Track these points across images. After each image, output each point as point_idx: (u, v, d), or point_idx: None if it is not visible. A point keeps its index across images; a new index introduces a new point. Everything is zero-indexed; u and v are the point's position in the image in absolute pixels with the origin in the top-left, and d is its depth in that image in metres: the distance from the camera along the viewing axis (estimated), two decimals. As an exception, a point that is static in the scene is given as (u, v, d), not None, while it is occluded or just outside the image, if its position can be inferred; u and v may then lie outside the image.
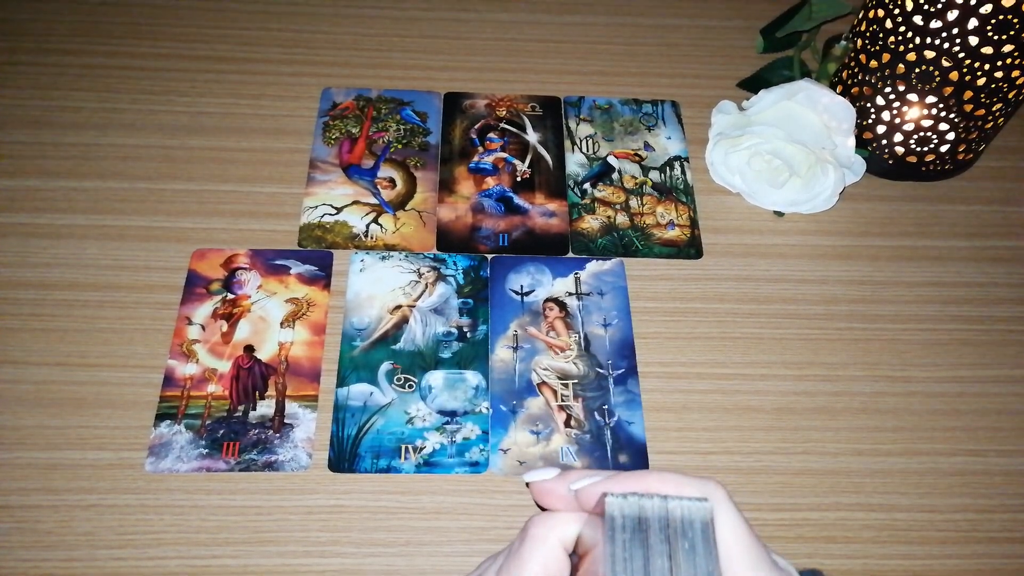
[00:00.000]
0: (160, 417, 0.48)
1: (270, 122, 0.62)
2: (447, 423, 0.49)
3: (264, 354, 0.51)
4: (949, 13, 0.51)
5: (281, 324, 0.52)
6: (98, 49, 0.65)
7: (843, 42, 0.63)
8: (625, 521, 0.21)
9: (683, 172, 0.62)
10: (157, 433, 0.47)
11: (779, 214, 0.60)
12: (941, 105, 0.56)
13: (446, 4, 0.71)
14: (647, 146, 0.63)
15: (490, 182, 0.60)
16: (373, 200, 0.58)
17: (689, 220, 0.59)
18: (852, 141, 0.57)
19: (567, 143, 0.63)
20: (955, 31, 0.51)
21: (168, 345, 0.51)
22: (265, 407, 0.49)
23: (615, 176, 0.61)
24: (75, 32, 0.66)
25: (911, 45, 0.54)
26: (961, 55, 0.52)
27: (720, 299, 0.55)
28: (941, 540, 0.47)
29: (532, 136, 0.63)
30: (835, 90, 0.62)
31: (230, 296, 0.53)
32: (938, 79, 0.54)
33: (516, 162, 0.61)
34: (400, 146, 0.61)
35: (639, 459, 0.48)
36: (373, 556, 0.44)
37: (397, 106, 0.64)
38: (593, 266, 0.56)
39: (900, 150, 0.60)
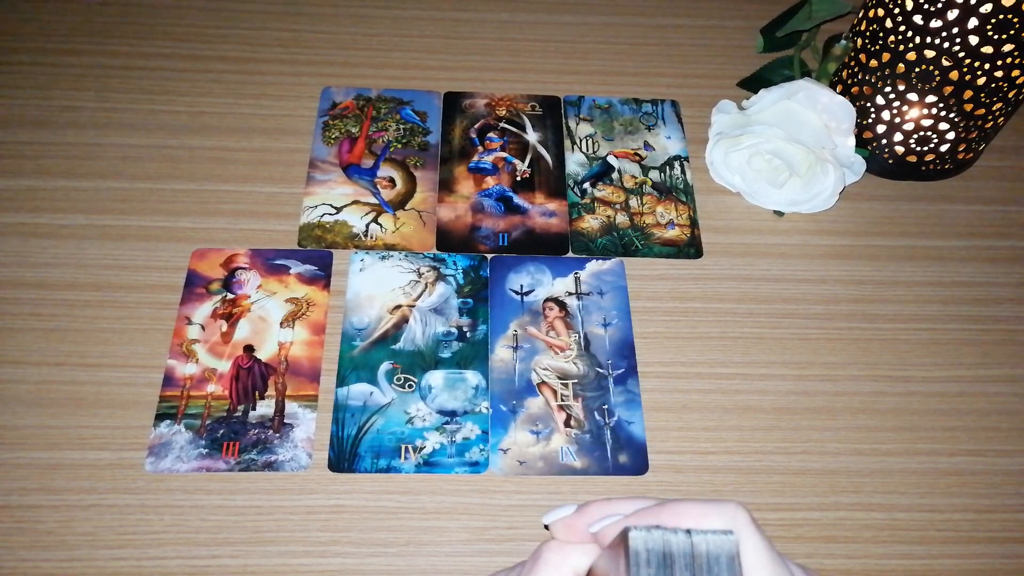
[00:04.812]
0: (160, 417, 0.48)
1: (270, 122, 0.62)
2: (447, 423, 0.49)
3: (264, 354, 0.51)
4: (949, 13, 0.51)
5: (281, 324, 0.52)
6: (98, 49, 0.65)
7: (843, 42, 0.63)
8: (650, 556, 0.21)
9: (683, 172, 0.62)
10: (157, 433, 0.47)
11: (779, 214, 0.60)
12: (941, 105, 0.56)
13: (446, 4, 0.71)
14: (647, 146, 0.63)
15: (490, 182, 0.60)
16: (373, 200, 0.58)
17: (689, 220, 0.59)
18: (852, 141, 0.57)
19: (567, 143, 0.63)
20: (955, 31, 0.51)
21: (168, 345, 0.51)
22: (265, 407, 0.49)
23: (615, 176, 0.61)
24: (75, 32, 0.66)
25: (911, 45, 0.54)
26: (961, 55, 0.52)
27: (720, 299, 0.55)
28: (941, 540, 0.47)
29: (532, 136, 0.63)
30: (835, 90, 0.62)
31: (230, 296, 0.53)
32: (938, 79, 0.54)
33: (516, 162, 0.61)
34: (400, 146, 0.61)
35: (639, 459, 0.48)
36: (373, 556, 0.44)
37: (397, 106, 0.64)
38: (593, 266, 0.56)
39: (900, 150, 0.60)
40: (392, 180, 0.59)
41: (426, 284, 0.54)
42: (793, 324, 0.55)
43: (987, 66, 0.52)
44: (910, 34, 0.53)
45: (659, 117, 0.65)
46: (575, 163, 0.62)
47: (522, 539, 0.45)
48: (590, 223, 0.58)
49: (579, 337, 0.53)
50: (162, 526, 0.45)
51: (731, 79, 0.68)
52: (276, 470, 0.47)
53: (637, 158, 0.62)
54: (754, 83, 0.66)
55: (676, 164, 0.62)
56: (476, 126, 0.63)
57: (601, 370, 0.51)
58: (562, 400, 0.50)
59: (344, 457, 0.47)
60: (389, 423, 0.49)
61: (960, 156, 0.60)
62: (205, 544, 0.44)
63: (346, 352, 0.51)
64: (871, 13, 0.57)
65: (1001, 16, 0.49)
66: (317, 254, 0.55)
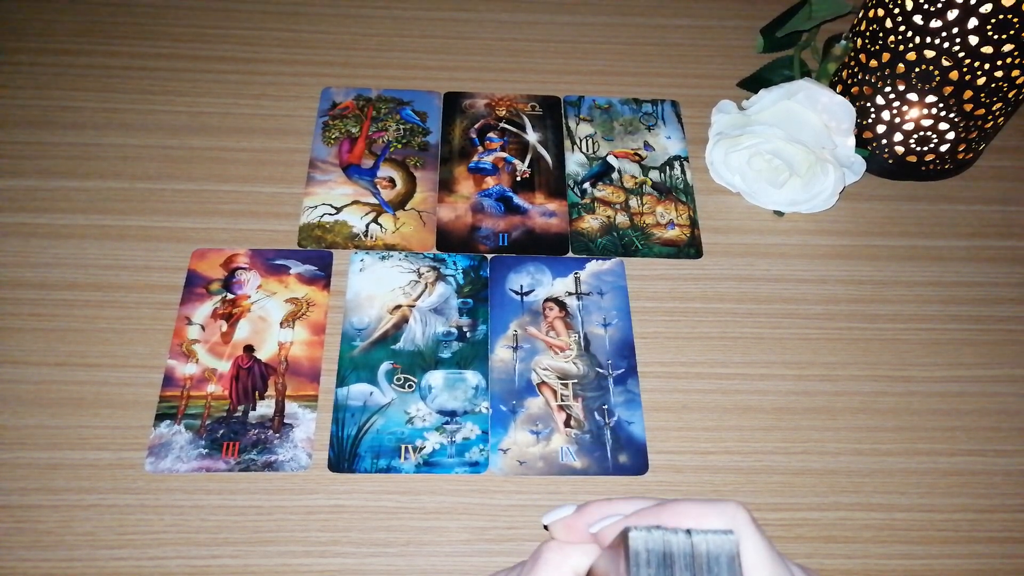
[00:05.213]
0: (160, 417, 0.48)
1: (270, 122, 0.62)
2: (447, 423, 0.49)
3: (264, 354, 0.51)
4: (949, 13, 0.51)
5: (281, 324, 0.52)
6: (98, 49, 0.65)
7: (843, 42, 0.63)
8: (650, 556, 0.21)
9: (683, 172, 0.62)
10: (157, 433, 0.47)
11: (779, 214, 0.60)
12: (941, 105, 0.56)
13: (446, 4, 0.71)
14: (647, 146, 0.63)
15: (490, 182, 0.60)
16: (373, 200, 0.58)
17: (689, 220, 0.59)
18: (852, 141, 0.57)
19: (567, 143, 0.63)
20: (955, 31, 0.51)
21: (168, 345, 0.51)
22: (265, 407, 0.49)
23: (615, 176, 0.61)
24: (75, 32, 0.66)
25: (911, 45, 0.54)
26: (961, 55, 0.52)
27: (720, 299, 0.55)
28: (941, 540, 0.47)
29: (532, 136, 0.63)
30: (835, 90, 0.62)
31: (230, 296, 0.53)
32: (938, 79, 0.54)
33: (516, 162, 0.61)
34: (400, 146, 0.61)
35: (639, 459, 0.48)
36: (373, 556, 0.44)
37: (397, 106, 0.64)
38: (593, 266, 0.56)
39: (900, 150, 0.60)
40: (392, 180, 0.59)
41: (426, 284, 0.54)
42: (793, 324, 0.55)
43: (987, 66, 0.52)
44: (910, 34, 0.53)
45: (659, 117, 0.65)
46: (575, 163, 0.62)
47: (522, 539, 0.45)
48: (590, 223, 0.58)
49: (579, 337, 0.53)
50: (162, 526, 0.45)
51: (731, 79, 0.68)
52: (276, 470, 0.47)
53: (637, 158, 0.62)
54: (754, 83, 0.66)
55: (676, 164, 0.62)
56: (476, 126, 0.63)
57: (601, 370, 0.51)
58: (562, 400, 0.50)
59: (344, 457, 0.47)
60: (389, 423, 0.49)
61: (960, 156, 0.60)
62: (205, 544, 0.44)
63: (346, 352, 0.51)
64: (871, 13, 0.57)
65: (1001, 16, 0.49)
66: (317, 254, 0.55)
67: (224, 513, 0.45)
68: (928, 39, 0.53)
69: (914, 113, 0.57)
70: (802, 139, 0.56)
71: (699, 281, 0.56)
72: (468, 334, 0.52)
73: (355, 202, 0.58)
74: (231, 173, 0.59)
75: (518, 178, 0.60)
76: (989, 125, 0.58)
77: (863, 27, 0.58)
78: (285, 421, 0.48)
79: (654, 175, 0.61)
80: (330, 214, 0.57)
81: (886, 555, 0.46)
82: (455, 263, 0.55)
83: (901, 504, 0.48)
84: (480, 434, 0.49)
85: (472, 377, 0.51)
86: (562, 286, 0.55)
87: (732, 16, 0.73)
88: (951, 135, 0.58)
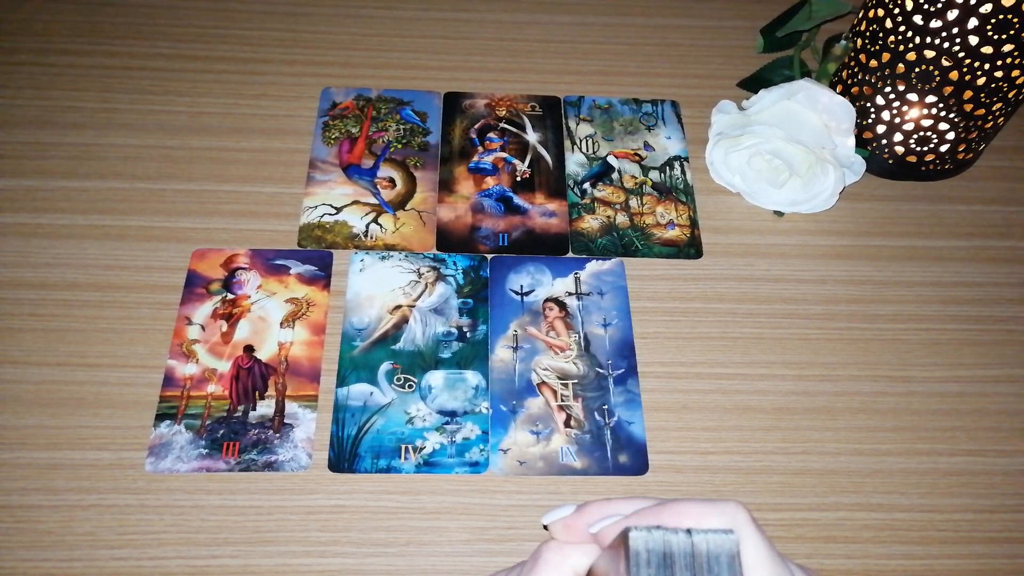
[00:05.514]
0: (160, 417, 0.48)
1: (270, 122, 0.62)
2: (447, 423, 0.49)
3: (264, 354, 0.51)
4: (949, 13, 0.51)
5: (281, 324, 0.52)
6: (98, 49, 0.65)
7: (843, 42, 0.63)
8: (650, 556, 0.21)
9: (683, 172, 0.62)
10: (157, 433, 0.47)
11: (779, 214, 0.60)
12: (941, 105, 0.56)
13: (446, 4, 0.71)
14: (647, 146, 0.63)
15: (490, 182, 0.60)
16: (373, 200, 0.58)
17: (689, 220, 0.59)
18: (852, 141, 0.57)
19: (567, 143, 0.63)
20: (955, 31, 0.51)
21: (168, 345, 0.51)
22: (265, 407, 0.49)
23: (615, 176, 0.61)
24: (75, 32, 0.66)
25: (911, 45, 0.54)
26: (961, 55, 0.52)
27: (720, 299, 0.55)
28: (941, 540, 0.47)
29: (532, 136, 0.63)
30: (835, 90, 0.62)
31: (230, 296, 0.53)
32: (938, 79, 0.54)
33: (516, 162, 0.61)
34: (400, 146, 0.61)
35: (639, 459, 0.48)
36: (373, 556, 0.44)
37: (397, 106, 0.64)
38: (593, 266, 0.56)
39: (900, 150, 0.60)
40: (392, 180, 0.59)
41: (426, 284, 0.54)
42: (793, 324, 0.55)
43: (987, 66, 0.52)
44: (910, 34, 0.53)
45: (659, 117, 0.65)
46: (575, 163, 0.62)
47: (522, 539, 0.45)
48: (590, 223, 0.58)
49: (579, 337, 0.53)
50: (162, 526, 0.45)
51: (731, 79, 0.68)
52: (276, 470, 0.47)
53: (637, 158, 0.62)
54: (754, 83, 0.66)
55: (676, 164, 0.62)
56: (476, 126, 0.63)
57: (601, 370, 0.51)
58: (562, 400, 0.50)
59: (344, 457, 0.47)
60: (389, 423, 0.49)
61: (960, 156, 0.60)
62: (205, 544, 0.44)
63: (346, 352, 0.51)
64: (871, 13, 0.57)
65: (1001, 16, 0.49)
66: (317, 254, 0.55)
67: (224, 513, 0.45)
68: (928, 39, 0.53)
69: (914, 113, 0.57)
70: (802, 139, 0.56)
71: (699, 281, 0.56)
72: (468, 334, 0.52)
73: (355, 202, 0.58)
74: (231, 173, 0.59)
75: (518, 178, 0.60)
76: (989, 125, 0.58)
77: (863, 27, 0.58)
78: (285, 421, 0.48)
79: (654, 175, 0.61)
80: (330, 214, 0.57)
81: (886, 555, 0.46)
82: (455, 263, 0.55)
83: (901, 504, 0.48)
84: (480, 434, 0.49)
85: (472, 377, 0.51)
86: (562, 286, 0.55)
87: (732, 16, 0.73)
88: (951, 135, 0.58)
